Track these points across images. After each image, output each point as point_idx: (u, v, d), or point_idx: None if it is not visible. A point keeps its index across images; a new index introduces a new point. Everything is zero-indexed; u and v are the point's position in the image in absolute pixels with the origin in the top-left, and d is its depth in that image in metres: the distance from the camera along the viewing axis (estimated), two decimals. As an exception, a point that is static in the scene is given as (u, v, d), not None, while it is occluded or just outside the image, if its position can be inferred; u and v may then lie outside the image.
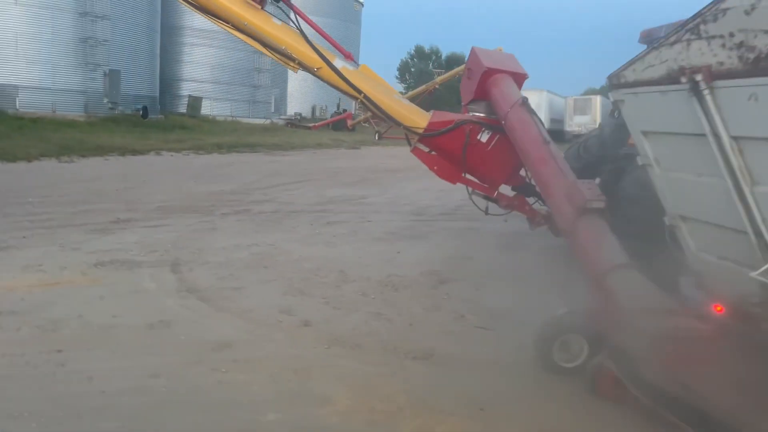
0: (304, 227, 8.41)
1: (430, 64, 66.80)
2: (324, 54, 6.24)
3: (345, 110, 40.21)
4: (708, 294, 3.87)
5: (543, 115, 27.85)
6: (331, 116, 37.48)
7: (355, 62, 6.62)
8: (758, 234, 2.98)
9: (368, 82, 6.47)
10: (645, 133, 3.57)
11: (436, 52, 68.79)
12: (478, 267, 6.77)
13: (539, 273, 6.59)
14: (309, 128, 36.03)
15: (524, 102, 6.25)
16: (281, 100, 38.27)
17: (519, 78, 6.63)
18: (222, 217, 8.68)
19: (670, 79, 3.02)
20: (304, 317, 4.80)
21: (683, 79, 2.89)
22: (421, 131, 6.46)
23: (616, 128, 7.45)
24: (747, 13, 2.41)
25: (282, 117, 37.28)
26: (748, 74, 2.53)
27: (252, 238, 7.43)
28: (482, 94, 6.62)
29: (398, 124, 6.49)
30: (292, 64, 6.34)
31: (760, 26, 2.38)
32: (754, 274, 2.83)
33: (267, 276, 5.90)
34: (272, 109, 36.06)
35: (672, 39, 2.91)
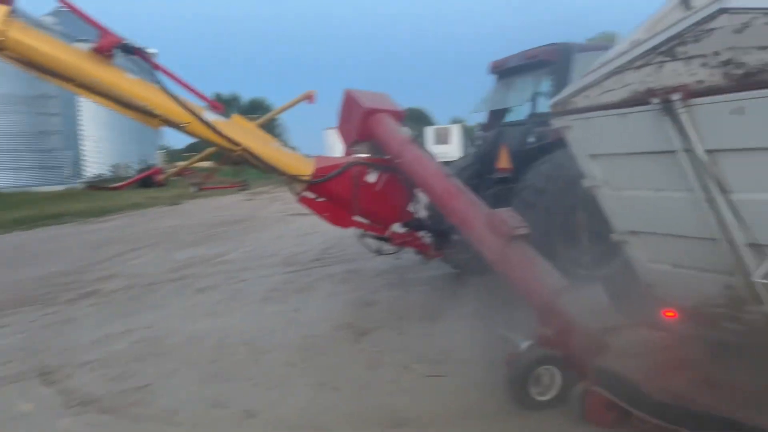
0: (175, 300, 7.48)
1: (232, 111, 65.68)
2: (191, 108, 5.65)
3: (151, 166, 37.67)
4: (658, 302, 4.04)
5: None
6: (137, 173, 34.86)
7: (225, 112, 6.10)
8: (729, 239, 3.14)
9: (244, 132, 6.00)
10: (594, 156, 3.64)
11: (236, 98, 67.94)
12: (386, 310, 6.51)
13: (447, 306, 6.53)
14: (114, 189, 33.09)
15: (414, 138, 6.23)
16: (77, 163, 34.71)
17: (397, 116, 6.60)
18: (70, 305, 7.40)
19: (634, 101, 3.09)
20: (241, 407, 4.15)
21: (654, 100, 2.97)
22: (308, 178, 6.13)
23: (485, 155, 7.77)
24: (738, 31, 2.52)
25: (81, 180, 33.80)
26: (734, 89, 2.65)
27: (122, 324, 6.39)
28: (365, 135, 6.49)
29: (283, 173, 6.09)
30: (154, 121, 5.65)
31: (751, 43, 2.50)
32: (757, 278, 2.94)
33: (168, 365, 5.06)
34: (68, 174, 32.50)
35: (638, 63, 2.98)
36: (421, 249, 6.96)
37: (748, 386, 3.28)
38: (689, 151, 3.00)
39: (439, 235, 7.00)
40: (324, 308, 6.71)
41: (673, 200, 3.34)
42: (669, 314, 3.99)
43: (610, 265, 6.58)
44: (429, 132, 42.15)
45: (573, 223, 6.41)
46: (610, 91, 3.21)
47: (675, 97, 2.87)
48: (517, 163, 7.04)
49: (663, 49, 2.85)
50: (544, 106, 7.30)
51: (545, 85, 7.34)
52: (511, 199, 6.56)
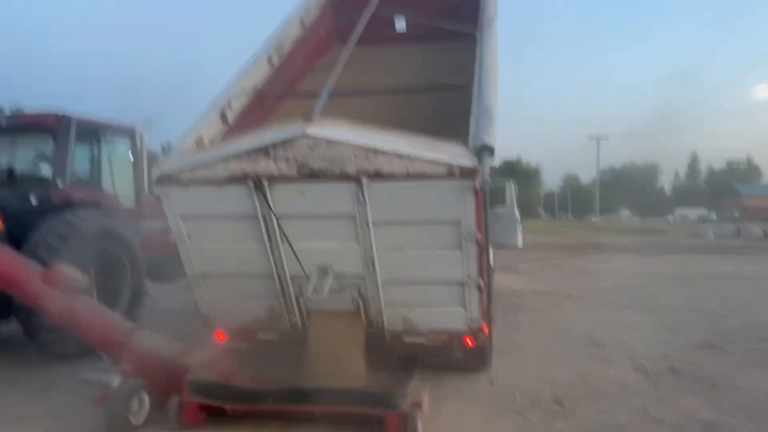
0: None
1: None
2: None
3: None
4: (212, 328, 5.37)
5: None
6: None
7: None
8: (281, 274, 4.86)
9: None
10: (185, 217, 4.76)
11: None
12: None
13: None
14: None
15: None
16: None
17: None
18: None
19: (234, 180, 4.48)
20: None
21: (249, 181, 4.44)
22: None
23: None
24: (310, 148, 4.27)
25: None
26: (302, 180, 4.40)
27: None
28: None
29: None
30: None
31: (316, 156, 4.29)
32: (309, 294, 4.69)
33: None
34: None
35: (241, 155, 4.39)
36: None
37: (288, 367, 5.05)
38: (266, 216, 4.59)
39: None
40: None
41: (245, 250, 4.83)
42: (220, 336, 5.40)
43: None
44: None
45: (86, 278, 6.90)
46: (215, 172, 4.47)
47: (264, 181, 4.42)
48: (14, 224, 6.94)
49: (262, 150, 4.34)
50: (44, 169, 7.47)
51: (44, 149, 7.53)
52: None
